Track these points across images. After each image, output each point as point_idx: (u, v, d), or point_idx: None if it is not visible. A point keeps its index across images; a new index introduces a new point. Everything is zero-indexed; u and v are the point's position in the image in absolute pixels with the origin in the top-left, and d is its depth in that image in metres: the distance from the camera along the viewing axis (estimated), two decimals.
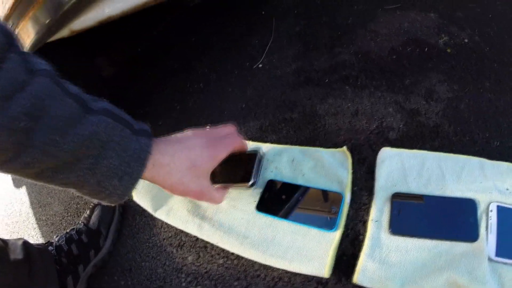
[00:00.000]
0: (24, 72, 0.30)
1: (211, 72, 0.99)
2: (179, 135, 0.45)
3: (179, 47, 1.17)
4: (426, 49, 0.81)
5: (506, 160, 0.52)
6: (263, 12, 1.14)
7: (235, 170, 0.53)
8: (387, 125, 0.61)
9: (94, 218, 0.67)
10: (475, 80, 0.71)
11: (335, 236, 0.48)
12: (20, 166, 0.31)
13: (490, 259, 0.40)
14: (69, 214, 0.87)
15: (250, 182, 0.52)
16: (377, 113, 0.64)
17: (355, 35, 0.86)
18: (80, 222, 0.68)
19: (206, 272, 0.58)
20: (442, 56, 0.78)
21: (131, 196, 0.54)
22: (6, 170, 0.32)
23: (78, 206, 0.85)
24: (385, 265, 0.44)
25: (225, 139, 0.47)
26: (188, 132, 0.45)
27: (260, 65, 0.86)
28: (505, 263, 0.40)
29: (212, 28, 1.17)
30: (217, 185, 0.51)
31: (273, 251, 0.49)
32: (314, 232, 0.49)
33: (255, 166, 0.53)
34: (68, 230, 0.65)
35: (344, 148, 0.57)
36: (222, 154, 0.45)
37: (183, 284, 0.58)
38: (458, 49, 0.80)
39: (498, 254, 0.41)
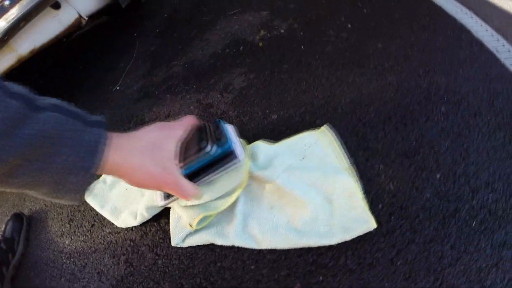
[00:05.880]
0: None
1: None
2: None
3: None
4: (241, 47, 0.96)
5: (282, 127, 0.66)
6: (135, 34, 1.31)
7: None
8: None
9: (8, 228, 0.85)
10: (275, 65, 0.84)
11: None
12: None
13: None
14: None
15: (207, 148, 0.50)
16: (182, 112, 0.80)
17: (190, 47, 1.03)
18: None
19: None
20: (252, 51, 0.92)
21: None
22: None
23: None
24: None
25: (179, 120, 0.48)
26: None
27: (118, 87, 1.04)
28: None
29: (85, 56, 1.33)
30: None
31: None
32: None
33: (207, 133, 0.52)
34: None
35: None
36: (179, 131, 0.45)
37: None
38: (270, 41, 0.94)
39: None
